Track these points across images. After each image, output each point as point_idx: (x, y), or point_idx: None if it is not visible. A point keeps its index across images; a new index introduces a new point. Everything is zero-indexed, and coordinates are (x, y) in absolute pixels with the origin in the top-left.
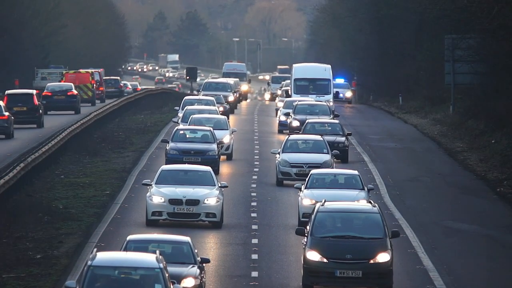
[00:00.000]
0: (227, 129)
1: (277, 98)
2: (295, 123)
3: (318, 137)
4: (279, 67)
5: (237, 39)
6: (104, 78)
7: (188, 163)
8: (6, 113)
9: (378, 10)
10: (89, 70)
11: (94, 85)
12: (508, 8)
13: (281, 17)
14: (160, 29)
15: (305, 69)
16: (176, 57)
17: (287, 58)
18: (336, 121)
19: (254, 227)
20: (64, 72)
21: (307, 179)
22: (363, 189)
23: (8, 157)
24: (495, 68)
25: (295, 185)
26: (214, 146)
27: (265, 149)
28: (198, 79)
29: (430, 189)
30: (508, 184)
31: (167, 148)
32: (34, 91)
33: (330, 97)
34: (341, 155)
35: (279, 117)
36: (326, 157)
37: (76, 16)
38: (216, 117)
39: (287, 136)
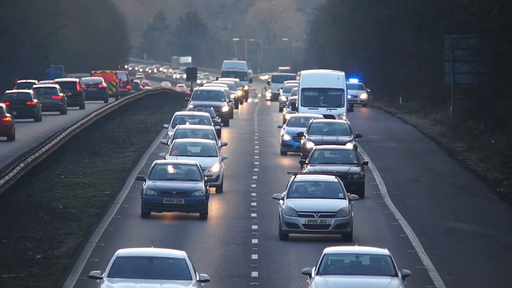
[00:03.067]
0: (216, 156)
1: (284, 109)
2: (310, 145)
3: (332, 178)
4: (280, 68)
5: (237, 39)
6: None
7: (169, 206)
8: (61, 94)
9: (378, 10)
10: (114, 71)
11: (118, 83)
12: (508, 8)
13: (281, 17)
14: (160, 29)
15: (314, 77)
16: (188, 59)
17: (287, 58)
18: (350, 147)
19: (254, 227)
20: (92, 72)
21: (319, 261)
22: (396, 275)
23: (8, 157)
24: (495, 68)
25: (302, 270)
26: (201, 185)
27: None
28: (205, 81)
29: (430, 189)
30: (508, 184)
31: (144, 187)
32: (77, 79)
33: (343, 110)
34: (356, 189)
35: (282, 136)
36: (342, 203)
37: (76, 16)
38: (203, 142)
39: (293, 176)
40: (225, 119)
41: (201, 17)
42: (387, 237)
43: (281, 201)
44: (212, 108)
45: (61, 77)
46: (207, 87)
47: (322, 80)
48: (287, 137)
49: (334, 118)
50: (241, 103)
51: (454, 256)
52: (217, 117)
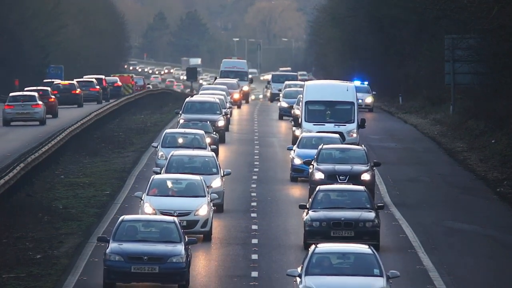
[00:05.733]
0: (204, 196)
1: (293, 127)
2: (319, 175)
3: (365, 249)
4: (281, 68)
5: (237, 39)
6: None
7: (139, 276)
8: (98, 86)
9: (378, 10)
10: (130, 74)
11: (134, 85)
12: (508, 8)
13: (281, 17)
14: (160, 29)
15: (320, 89)
16: (198, 60)
17: (287, 58)
18: (361, 188)
19: (254, 227)
20: (111, 75)
21: None
22: None
23: (8, 157)
24: (495, 68)
25: None
26: (180, 248)
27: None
28: (211, 82)
29: (430, 189)
30: (508, 184)
31: (107, 251)
32: (103, 76)
33: (353, 126)
34: (369, 239)
35: (292, 159)
36: (378, 282)
37: (76, 16)
38: (189, 179)
39: (314, 246)
40: (221, 135)
41: (201, 17)
42: (387, 237)
43: (297, 279)
44: (208, 122)
45: (61, 78)
46: (200, 98)
47: (328, 92)
48: (297, 161)
49: (343, 135)
50: (239, 107)
51: (454, 256)
52: (214, 133)
